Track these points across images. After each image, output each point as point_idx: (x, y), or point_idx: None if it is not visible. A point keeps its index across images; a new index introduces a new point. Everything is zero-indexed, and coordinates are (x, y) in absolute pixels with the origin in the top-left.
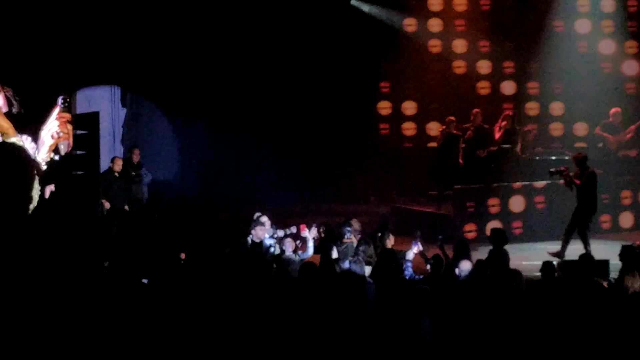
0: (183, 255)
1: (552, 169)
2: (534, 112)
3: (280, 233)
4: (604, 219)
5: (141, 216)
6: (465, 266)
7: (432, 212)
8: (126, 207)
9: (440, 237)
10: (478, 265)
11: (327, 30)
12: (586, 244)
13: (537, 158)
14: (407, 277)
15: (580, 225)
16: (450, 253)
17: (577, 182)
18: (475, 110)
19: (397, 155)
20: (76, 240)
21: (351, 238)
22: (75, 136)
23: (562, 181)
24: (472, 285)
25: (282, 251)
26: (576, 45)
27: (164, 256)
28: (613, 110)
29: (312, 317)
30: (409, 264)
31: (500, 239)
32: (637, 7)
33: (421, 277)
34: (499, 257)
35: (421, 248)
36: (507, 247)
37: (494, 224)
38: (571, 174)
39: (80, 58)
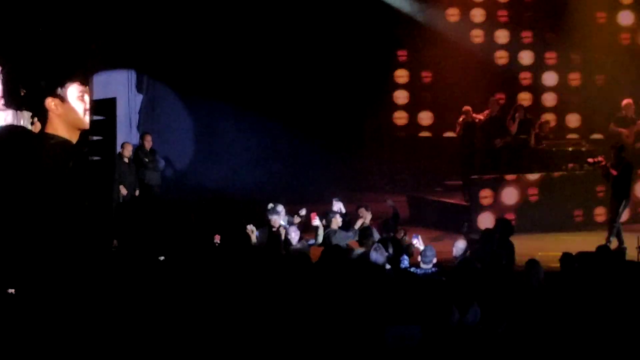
0: (218, 238)
1: (590, 159)
2: (551, 103)
3: (296, 220)
4: None
5: (154, 202)
6: (460, 244)
7: (450, 202)
8: (137, 193)
9: (466, 224)
10: (493, 256)
11: (344, 18)
12: (610, 234)
13: (554, 149)
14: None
15: (612, 214)
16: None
17: (614, 172)
18: (493, 98)
19: (413, 144)
20: (91, 225)
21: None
22: (92, 122)
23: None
24: (489, 276)
25: (289, 240)
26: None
27: (196, 239)
28: (625, 101)
29: (329, 303)
30: (406, 257)
31: (506, 229)
32: None
33: (412, 268)
34: (506, 248)
35: (420, 241)
36: (522, 237)
37: (509, 214)
38: (608, 164)
39: (96, 41)
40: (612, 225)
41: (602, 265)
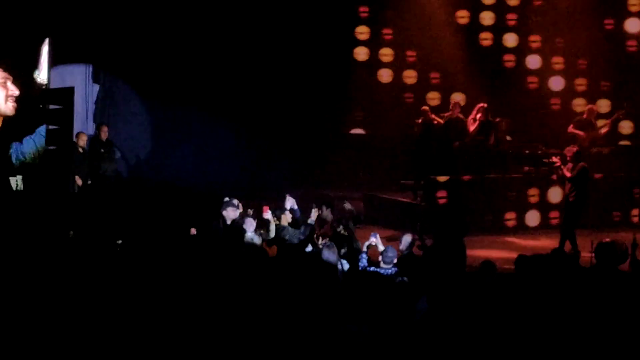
0: (194, 231)
1: (545, 160)
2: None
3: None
4: None
5: (109, 192)
6: (407, 238)
7: (405, 201)
8: (89, 182)
9: (419, 224)
10: (447, 255)
11: (305, 18)
12: (563, 238)
13: (511, 151)
14: (360, 268)
15: (567, 219)
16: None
17: (568, 174)
18: (455, 100)
19: (372, 142)
20: (47, 214)
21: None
22: (49, 111)
23: (553, 176)
24: (444, 276)
25: (244, 230)
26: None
27: (170, 232)
28: (588, 107)
29: (282, 297)
30: (364, 255)
31: (461, 230)
32: None
33: (371, 269)
34: (459, 249)
35: (379, 240)
36: (477, 238)
37: (465, 215)
38: (564, 167)
39: (54, 35)
40: (564, 229)
41: (556, 268)
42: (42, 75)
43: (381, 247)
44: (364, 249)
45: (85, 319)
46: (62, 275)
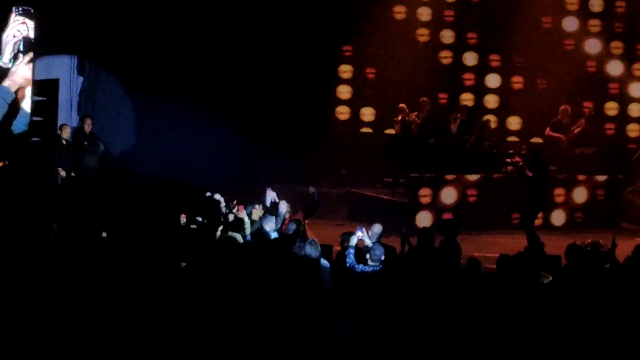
0: (184, 217)
1: (508, 159)
2: (494, 105)
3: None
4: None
5: (93, 185)
6: (375, 229)
7: (387, 199)
8: (72, 174)
9: (403, 227)
10: (431, 253)
11: (291, 11)
12: (531, 237)
13: (494, 151)
14: (347, 265)
15: (526, 218)
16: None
17: (529, 173)
18: (423, 99)
19: (354, 139)
20: (29, 206)
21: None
22: (33, 102)
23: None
24: (428, 275)
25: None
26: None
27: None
28: (561, 107)
29: (263, 293)
30: (352, 251)
31: (452, 229)
32: (625, 8)
33: (360, 266)
34: (452, 248)
35: (365, 234)
36: (459, 237)
37: (448, 213)
38: (525, 165)
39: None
40: (528, 228)
41: (536, 267)
42: (4, 59)
43: (368, 241)
44: (352, 243)
45: (69, 312)
46: (45, 269)
